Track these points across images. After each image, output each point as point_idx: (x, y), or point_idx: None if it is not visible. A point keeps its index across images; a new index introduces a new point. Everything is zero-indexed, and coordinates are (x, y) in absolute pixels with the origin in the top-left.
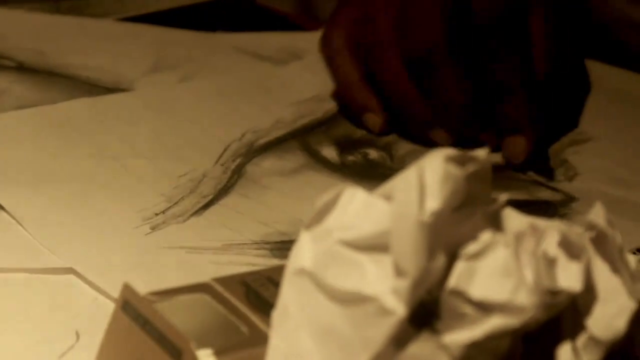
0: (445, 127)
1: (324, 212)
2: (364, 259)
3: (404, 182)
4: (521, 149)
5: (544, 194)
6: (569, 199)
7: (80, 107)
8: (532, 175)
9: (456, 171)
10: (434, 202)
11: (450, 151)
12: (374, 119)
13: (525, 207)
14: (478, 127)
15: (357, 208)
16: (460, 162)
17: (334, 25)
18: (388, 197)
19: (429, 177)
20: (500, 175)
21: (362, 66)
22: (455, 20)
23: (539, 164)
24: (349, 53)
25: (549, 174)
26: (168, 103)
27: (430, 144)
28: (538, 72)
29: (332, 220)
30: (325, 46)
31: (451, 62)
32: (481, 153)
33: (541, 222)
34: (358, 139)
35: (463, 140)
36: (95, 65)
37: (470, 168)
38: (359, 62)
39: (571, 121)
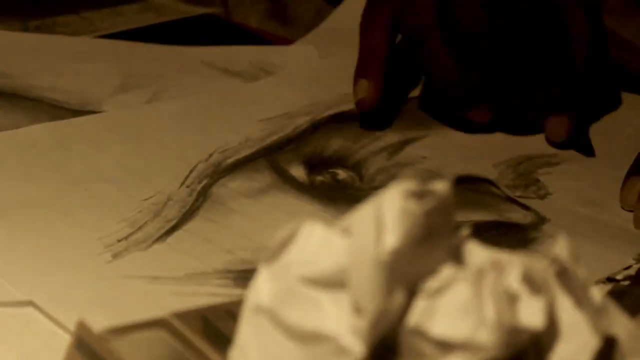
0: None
1: (282, 248)
2: (322, 296)
3: (361, 219)
4: (563, 128)
5: (515, 215)
6: (540, 220)
7: (42, 131)
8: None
9: (414, 207)
10: (392, 240)
11: (408, 186)
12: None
13: (495, 229)
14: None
15: (316, 244)
16: (419, 196)
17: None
18: (347, 232)
19: (387, 214)
20: (475, 188)
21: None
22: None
23: (580, 142)
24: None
25: (588, 151)
26: (134, 125)
27: (468, 125)
28: (580, 56)
29: (291, 256)
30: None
31: (493, 44)
32: (441, 186)
33: (504, 256)
34: (328, 157)
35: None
36: (61, 86)
37: (430, 203)
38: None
39: (612, 100)
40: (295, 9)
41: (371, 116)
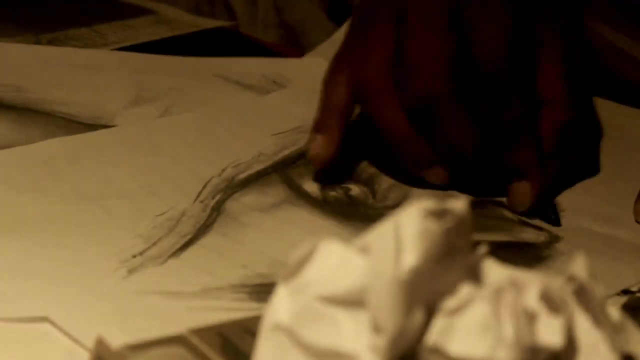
0: (444, 166)
1: (300, 266)
2: (341, 314)
3: (380, 237)
4: (526, 195)
5: (528, 235)
6: (553, 239)
7: (56, 147)
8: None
9: (433, 226)
10: (411, 259)
11: (427, 204)
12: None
13: (509, 249)
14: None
15: (334, 262)
16: (437, 215)
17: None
18: (365, 250)
19: (406, 233)
20: (487, 213)
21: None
22: (459, 66)
23: (545, 211)
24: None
25: (554, 221)
26: (147, 140)
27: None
28: (549, 120)
29: (309, 274)
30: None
31: (457, 111)
32: (459, 205)
33: (522, 275)
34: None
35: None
36: (74, 100)
37: (448, 222)
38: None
39: (589, 167)
40: (308, 36)
41: (325, 171)
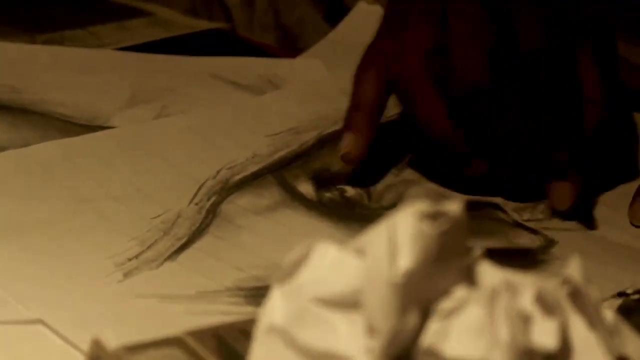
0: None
1: (295, 268)
2: (336, 317)
3: (375, 240)
4: (567, 196)
5: (524, 240)
6: (549, 243)
7: (51, 149)
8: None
9: (428, 229)
10: (405, 261)
11: (421, 207)
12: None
13: (504, 254)
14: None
15: (329, 265)
16: (432, 218)
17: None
18: (360, 253)
19: (401, 235)
20: (482, 215)
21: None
22: (500, 58)
23: (583, 213)
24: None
25: (590, 224)
26: (142, 142)
27: (466, 179)
28: (591, 119)
29: (304, 276)
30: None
31: (497, 102)
32: (454, 207)
33: (516, 277)
34: (335, 173)
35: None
36: (70, 101)
37: (443, 224)
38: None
39: (630, 170)
40: (304, 38)
41: (356, 171)
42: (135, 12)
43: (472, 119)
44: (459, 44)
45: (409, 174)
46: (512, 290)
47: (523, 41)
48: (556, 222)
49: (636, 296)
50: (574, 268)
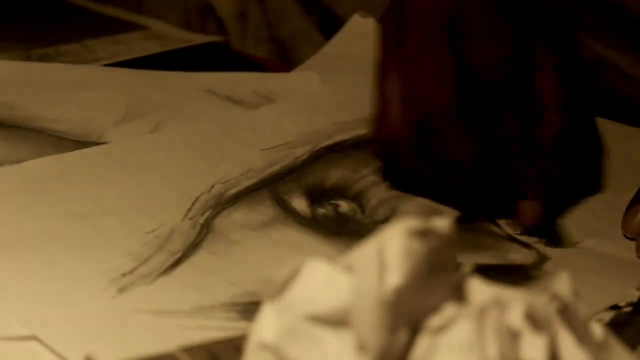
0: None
1: (285, 285)
2: (326, 334)
3: (364, 257)
4: (533, 211)
5: (515, 256)
6: (541, 259)
7: (45, 165)
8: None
9: (417, 246)
10: (394, 278)
11: (410, 224)
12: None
13: (496, 270)
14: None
15: (319, 281)
16: (421, 235)
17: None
18: (350, 269)
19: (390, 252)
20: (474, 228)
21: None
22: (460, 83)
23: (548, 230)
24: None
25: (556, 241)
26: (136, 156)
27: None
28: (551, 126)
29: (294, 293)
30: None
31: (459, 125)
32: (443, 224)
33: (506, 293)
34: (329, 188)
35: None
36: (65, 117)
37: (432, 241)
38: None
39: (591, 185)
40: (299, 51)
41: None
42: (130, 26)
43: (436, 143)
44: (419, 70)
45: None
46: (501, 306)
47: (481, 60)
48: None
49: (628, 309)
50: (562, 284)
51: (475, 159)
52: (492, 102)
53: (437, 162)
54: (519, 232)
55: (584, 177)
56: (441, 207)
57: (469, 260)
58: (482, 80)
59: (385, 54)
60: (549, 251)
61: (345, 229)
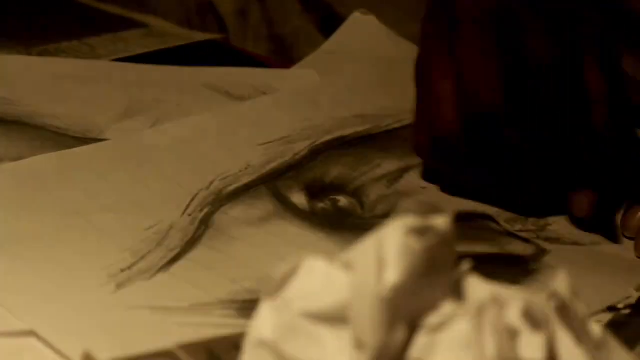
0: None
1: (284, 282)
2: (324, 331)
3: (363, 254)
4: (585, 205)
5: (516, 248)
6: (540, 252)
7: (45, 162)
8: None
9: (415, 244)
10: (393, 276)
11: (409, 222)
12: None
13: (496, 261)
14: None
15: (317, 279)
16: (420, 233)
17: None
18: (348, 267)
19: (388, 250)
20: (474, 225)
21: None
22: (512, 81)
23: (604, 224)
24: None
25: (613, 236)
26: (135, 153)
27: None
28: (599, 117)
29: (293, 290)
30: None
31: (510, 121)
32: (441, 222)
33: (504, 291)
34: (328, 183)
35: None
36: (64, 113)
37: (431, 239)
38: None
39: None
40: (298, 49)
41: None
42: (130, 24)
43: (489, 140)
44: (469, 69)
45: (401, 185)
46: (499, 304)
47: (532, 57)
48: (548, 233)
49: (627, 311)
50: (561, 282)
51: (528, 153)
52: (542, 97)
53: (490, 157)
54: (517, 229)
55: (633, 174)
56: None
57: (468, 250)
58: (531, 76)
59: (434, 52)
60: (548, 246)
61: (344, 224)
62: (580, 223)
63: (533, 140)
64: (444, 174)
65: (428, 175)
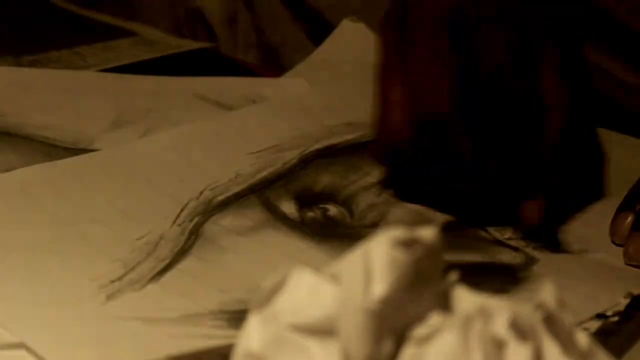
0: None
1: (272, 294)
2: (311, 343)
3: (350, 267)
4: (536, 214)
5: (505, 257)
6: (529, 260)
7: (33, 174)
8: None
9: (403, 256)
10: (380, 289)
11: (396, 234)
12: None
13: (485, 270)
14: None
15: (305, 291)
16: (407, 245)
17: None
18: (336, 279)
19: (376, 262)
20: (463, 234)
21: None
22: (464, 84)
23: (548, 234)
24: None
25: (555, 245)
26: (123, 163)
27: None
28: (553, 125)
29: (280, 303)
30: None
31: (461, 127)
32: (429, 233)
33: (491, 302)
34: (318, 192)
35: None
36: (54, 124)
37: (418, 251)
38: None
39: (594, 192)
40: (288, 57)
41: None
42: (120, 32)
43: (438, 146)
44: (419, 74)
45: (391, 193)
46: (486, 315)
47: (484, 63)
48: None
49: (615, 318)
50: (547, 292)
51: (478, 160)
52: (495, 103)
53: (440, 164)
54: (507, 237)
55: (585, 182)
56: (433, 213)
57: (457, 260)
58: (484, 82)
59: (387, 56)
60: (537, 255)
61: (334, 233)
62: (529, 231)
63: (482, 147)
64: (398, 180)
65: (387, 182)
